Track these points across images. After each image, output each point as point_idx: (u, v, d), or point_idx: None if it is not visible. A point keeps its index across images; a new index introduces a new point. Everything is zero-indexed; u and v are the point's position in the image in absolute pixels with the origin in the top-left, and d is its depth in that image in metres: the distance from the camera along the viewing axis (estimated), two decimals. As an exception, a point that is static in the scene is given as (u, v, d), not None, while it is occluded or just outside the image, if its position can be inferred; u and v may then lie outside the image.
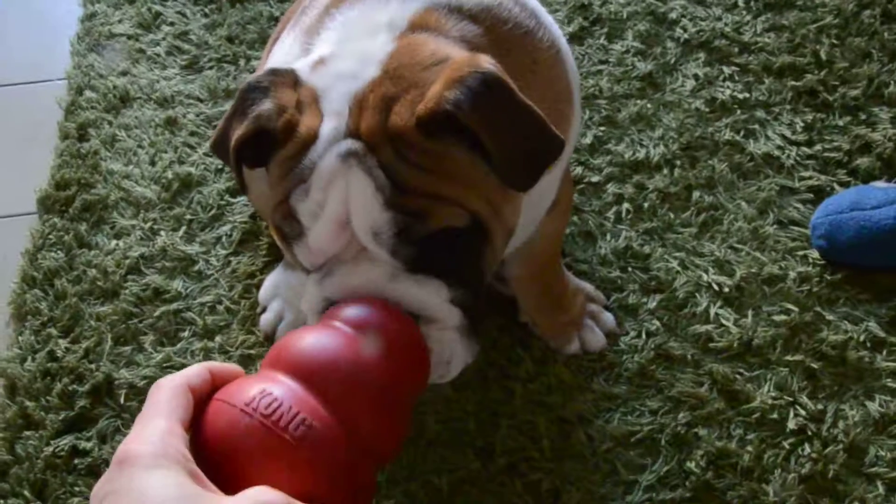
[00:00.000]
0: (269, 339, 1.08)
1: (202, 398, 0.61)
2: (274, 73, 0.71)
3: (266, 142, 0.70)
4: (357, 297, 0.68)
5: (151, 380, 1.05)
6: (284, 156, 0.69)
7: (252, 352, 1.08)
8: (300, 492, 0.57)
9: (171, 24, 1.45)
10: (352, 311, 0.65)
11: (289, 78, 0.70)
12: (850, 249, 1.09)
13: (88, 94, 1.36)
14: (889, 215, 1.07)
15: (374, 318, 0.65)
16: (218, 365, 0.64)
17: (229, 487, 0.56)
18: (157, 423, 0.57)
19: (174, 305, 1.13)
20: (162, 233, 1.19)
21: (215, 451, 0.59)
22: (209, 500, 0.54)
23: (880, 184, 1.15)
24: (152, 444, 0.55)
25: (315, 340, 0.63)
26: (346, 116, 0.68)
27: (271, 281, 1.12)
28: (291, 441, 0.57)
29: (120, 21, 1.46)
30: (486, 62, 0.67)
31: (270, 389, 0.59)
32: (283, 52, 0.83)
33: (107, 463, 0.99)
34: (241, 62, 1.39)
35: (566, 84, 0.83)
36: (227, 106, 1.32)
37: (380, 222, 0.66)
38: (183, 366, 1.06)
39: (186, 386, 0.60)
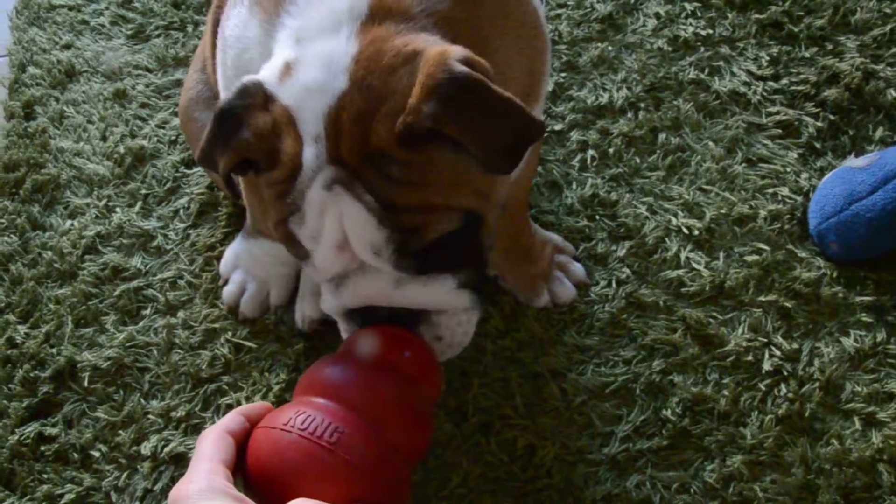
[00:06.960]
0: (233, 311, 1.06)
1: (242, 439, 0.71)
2: (243, 94, 0.71)
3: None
4: (369, 304, 0.74)
5: (115, 360, 1.03)
6: (275, 179, 0.71)
7: (216, 325, 1.05)
8: (341, 493, 0.65)
9: (115, -8, 1.40)
10: (367, 343, 0.75)
11: (259, 98, 0.70)
12: (867, 245, 1.02)
13: (32, 70, 1.31)
14: (890, 197, 1.02)
15: (391, 347, 0.75)
16: (247, 407, 0.75)
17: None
18: (202, 466, 0.66)
19: (134, 283, 1.10)
20: (118, 209, 1.16)
21: (262, 473, 0.68)
22: None
23: (858, 162, 1.07)
24: (199, 482, 0.64)
25: (339, 367, 0.73)
26: (323, 140, 0.68)
27: (232, 252, 1.09)
28: (328, 447, 0.67)
29: (60, -8, 1.41)
30: (457, 60, 0.65)
31: (303, 409, 0.69)
32: (238, 26, 0.80)
33: (74, 447, 0.98)
34: (189, 28, 1.34)
35: (534, 14, 0.82)
36: (178, 75, 1.28)
37: (377, 242, 0.69)
38: (147, 344, 1.04)
39: (224, 431, 0.70)
